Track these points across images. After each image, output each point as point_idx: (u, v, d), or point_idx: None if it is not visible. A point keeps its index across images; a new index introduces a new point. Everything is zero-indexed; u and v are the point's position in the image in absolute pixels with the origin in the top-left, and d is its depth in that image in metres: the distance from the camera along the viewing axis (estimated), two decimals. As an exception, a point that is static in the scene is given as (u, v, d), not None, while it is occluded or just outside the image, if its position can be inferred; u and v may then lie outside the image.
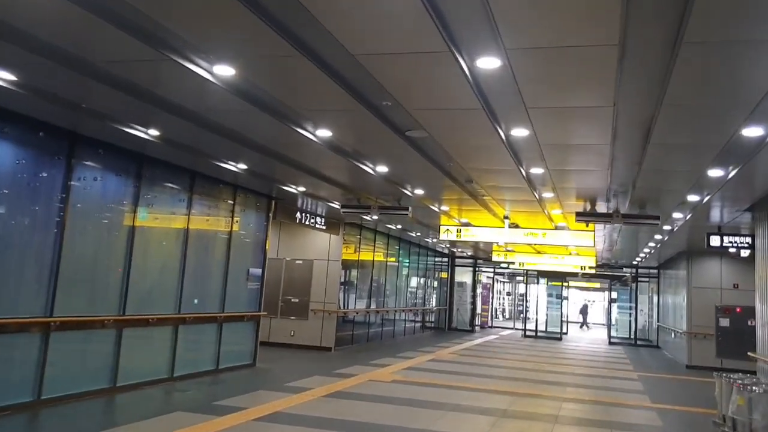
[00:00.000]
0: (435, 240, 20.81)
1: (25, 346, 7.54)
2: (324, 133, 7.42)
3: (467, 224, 15.13)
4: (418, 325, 23.99)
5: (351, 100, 5.95)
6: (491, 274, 33.70)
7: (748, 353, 10.67)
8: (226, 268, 11.37)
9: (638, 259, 23.12)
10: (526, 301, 28.96)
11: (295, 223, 14.17)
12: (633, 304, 27.11)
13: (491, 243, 19.57)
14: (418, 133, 7.22)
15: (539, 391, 11.32)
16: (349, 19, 4.24)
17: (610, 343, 25.69)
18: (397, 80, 5.48)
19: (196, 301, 10.52)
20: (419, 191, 11.22)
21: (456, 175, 9.61)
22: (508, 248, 21.83)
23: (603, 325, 37.64)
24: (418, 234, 19.66)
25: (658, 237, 15.54)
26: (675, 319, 20.37)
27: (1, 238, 7.25)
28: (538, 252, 22.21)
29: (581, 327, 37.18)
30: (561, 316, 27.97)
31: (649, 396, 11.64)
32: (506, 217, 13.84)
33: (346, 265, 16.94)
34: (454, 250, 25.97)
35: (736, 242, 11.72)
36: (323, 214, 14.91)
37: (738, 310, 16.89)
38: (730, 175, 7.85)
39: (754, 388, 7.82)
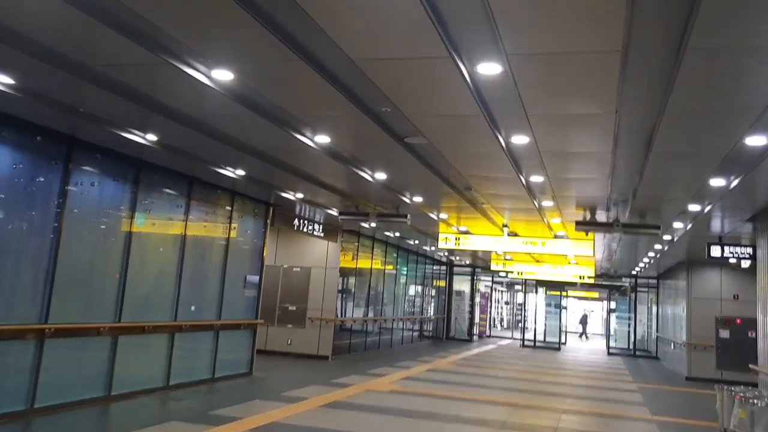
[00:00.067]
0: (433, 248, 20.74)
1: (18, 353, 7.45)
2: (323, 139, 7.37)
3: (466, 232, 15.08)
4: (416, 334, 23.89)
5: (350, 106, 5.89)
6: (490, 283, 33.62)
7: (750, 365, 10.59)
8: (223, 276, 11.30)
9: (637, 269, 23.05)
10: (525, 310, 28.86)
11: (292, 230, 14.10)
12: (632, 315, 27.02)
13: (490, 252, 19.49)
14: (417, 140, 7.16)
15: (538, 402, 11.23)
16: (349, 23, 4.18)
17: (609, 354, 25.59)
18: (396, 86, 5.43)
19: (193, 308, 10.44)
20: (418, 198, 11.16)
21: (455, 183, 9.56)
22: (506, 257, 21.76)
23: (601, 335, 37.58)
24: (417, 242, 19.60)
25: (657, 247, 15.47)
26: (674, 329, 20.28)
27: (-5, 243, 7.19)
28: (537, 261, 22.15)
29: (580, 337, 37.07)
30: (560, 326, 27.86)
31: (649, 408, 11.54)
32: (505, 226, 13.78)
33: (344, 272, 16.87)
34: (453, 258, 25.89)
35: (737, 253, 11.65)
36: (321, 221, 14.85)
37: (738, 321, 16.80)
38: (733, 185, 7.79)
39: (756, 401, 7.74)
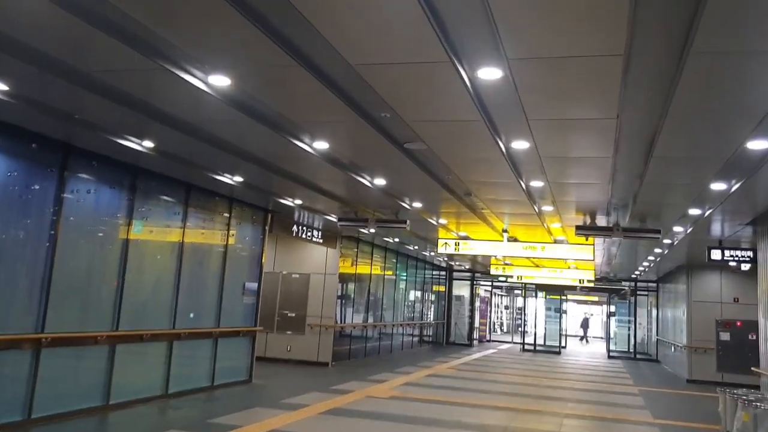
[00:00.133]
0: (433, 253, 20.69)
1: (15, 363, 7.35)
2: (321, 145, 7.32)
3: (465, 238, 15.03)
4: (415, 339, 23.80)
5: (349, 111, 5.84)
6: (489, 288, 33.55)
7: (752, 369, 10.53)
8: (222, 283, 11.22)
9: (637, 272, 23.01)
10: (525, 314, 28.79)
11: (291, 236, 14.04)
12: (632, 318, 26.96)
13: (489, 256, 19.44)
14: (416, 145, 7.11)
15: (540, 407, 11.16)
16: (348, 27, 4.13)
17: (609, 357, 25.52)
18: (395, 91, 5.38)
19: (192, 315, 10.37)
20: (417, 204, 11.11)
21: (455, 188, 9.51)
22: (506, 262, 21.73)
23: (601, 338, 37.51)
24: (416, 247, 19.55)
25: (657, 250, 15.44)
26: (675, 332, 20.23)
27: (-9, 251, 7.12)
28: (537, 265, 22.11)
29: (581, 340, 36.99)
30: (560, 330, 27.78)
31: (651, 411, 11.47)
32: (505, 231, 13.73)
33: (343, 278, 16.79)
34: (452, 263, 25.85)
35: (737, 256, 11.61)
36: (320, 228, 14.79)
37: (738, 324, 16.74)
38: (733, 189, 7.75)
39: (759, 404, 7.67)
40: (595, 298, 38.09)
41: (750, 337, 16.28)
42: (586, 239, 12.82)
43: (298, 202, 11.46)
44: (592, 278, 23.56)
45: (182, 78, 5.10)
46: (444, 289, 27.85)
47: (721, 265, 14.95)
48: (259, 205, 12.12)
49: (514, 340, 31.57)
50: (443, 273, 27.76)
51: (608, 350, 26.87)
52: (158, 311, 9.69)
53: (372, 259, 19.01)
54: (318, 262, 16.12)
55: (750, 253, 11.48)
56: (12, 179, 7.36)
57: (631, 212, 9.95)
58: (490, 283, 32.05)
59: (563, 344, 28.15)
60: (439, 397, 11.60)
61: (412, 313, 23.56)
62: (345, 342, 16.95)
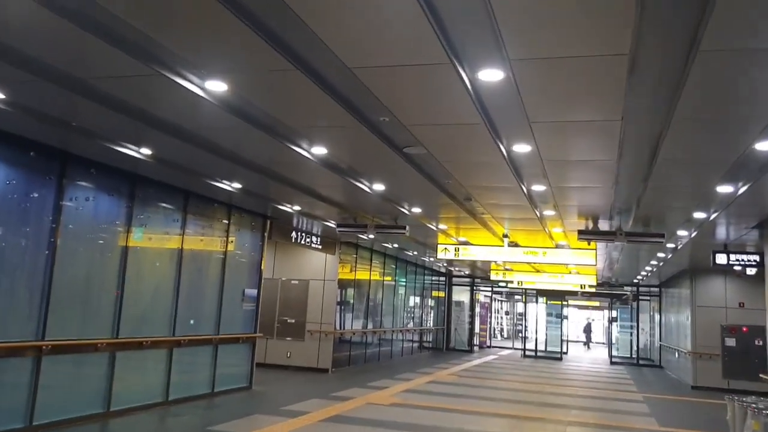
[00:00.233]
0: (432, 259, 20.59)
1: (15, 370, 7.35)
2: (319, 150, 7.24)
3: (465, 243, 14.93)
4: (415, 345, 23.69)
5: (347, 116, 5.76)
6: (489, 293, 33.43)
7: (760, 375, 10.40)
8: (221, 289, 11.16)
9: (639, 277, 22.88)
10: (525, 320, 28.66)
11: (290, 242, 14.00)
12: (634, 323, 26.81)
13: (490, 262, 19.33)
14: (416, 150, 7.03)
15: (542, 414, 11.04)
16: (346, 29, 4.05)
17: (612, 363, 25.36)
18: (394, 94, 5.30)
19: (192, 322, 10.30)
20: (416, 209, 11.03)
21: (454, 193, 9.43)
22: (506, 267, 21.60)
23: (603, 344, 37.34)
24: (415, 253, 19.46)
25: (661, 255, 15.33)
26: (678, 338, 20.09)
27: (-10, 259, 7.08)
28: (537, 271, 21.99)
29: (585, 345, 36.83)
30: (561, 336, 27.64)
31: (657, 419, 11.35)
32: (505, 236, 13.63)
33: (343, 284, 16.72)
34: (452, 269, 25.73)
35: (742, 260, 11.50)
36: (319, 234, 14.72)
37: (744, 329, 16.60)
38: (740, 192, 7.65)
39: (768, 412, 7.54)
40: (597, 303, 37.96)
41: (756, 342, 16.17)
42: (589, 244, 12.73)
43: (297, 208, 11.40)
44: (594, 283, 23.44)
45: (179, 84, 5.03)
46: (444, 295, 27.74)
47: (726, 270, 14.84)
48: (257, 211, 12.07)
49: (514, 346, 31.43)
50: (443, 278, 27.66)
51: (610, 356, 26.71)
52: (158, 318, 9.64)
53: (371, 265, 18.93)
54: (317, 269, 16.06)
55: (756, 257, 11.37)
56: (11, 187, 7.34)
57: (634, 216, 9.86)
58: (490, 289, 31.93)
59: (565, 350, 28.01)
60: (440, 404, 11.49)
61: (412, 319, 23.45)
62: (345, 348, 16.86)
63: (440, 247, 14.85)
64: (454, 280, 28.32)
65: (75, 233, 8.13)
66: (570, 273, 21.88)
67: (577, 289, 25.01)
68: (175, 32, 4.30)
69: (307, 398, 11.05)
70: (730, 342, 16.77)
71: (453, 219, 11.95)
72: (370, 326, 18.70)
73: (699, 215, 9.57)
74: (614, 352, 27.29)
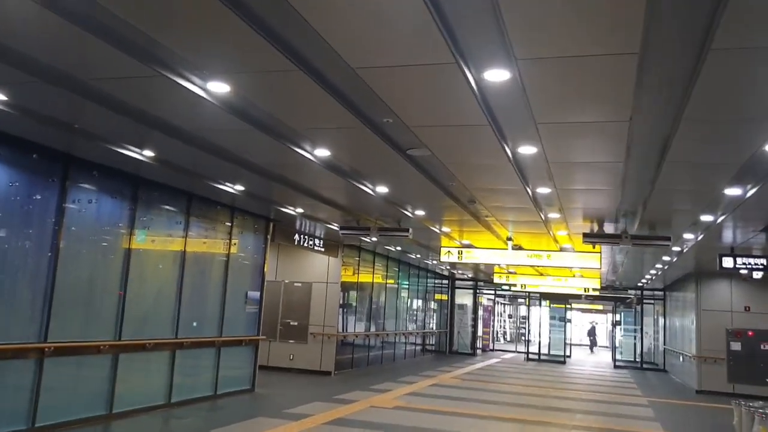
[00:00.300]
0: (435, 262, 20.52)
1: (18, 372, 7.33)
2: (322, 152, 7.19)
3: (469, 246, 14.86)
4: (418, 348, 23.63)
5: (350, 117, 5.71)
6: (492, 297, 33.32)
7: (767, 380, 10.30)
8: (224, 292, 11.13)
9: (644, 280, 22.76)
10: (529, 323, 28.52)
11: (293, 245, 13.95)
12: (638, 327, 26.68)
13: (493, 265, 19.25)
14: (420, 152, 6.97)
15: (547, 418, 10.96)
16: (349, 28, 3.99)
17: (616, 367, 25.24)
18: (398, 95, 5.24)
19: (195, 324, 10.26)
20: (420, 212, 10.97)
21: (458, 196, 9.36)
22: (510, 270, 21.53)
23: (606, 347, 37.21)
24: (418, 256, 19.39)
25: (666, 258, 15.23)
26: (683, 342, 19.97)
27: (-7, 261, 7.05)
28: (541, 274, 21.90)
29: (590, 349, 36.69)
30: (564, 339, 27.52)
31: (662, 423, 11.25)
32: (509, 239, 13.56)
33: (345, 287, 16.68)
34: (455, 272, 25.66)
35: (749, 264, 11.40)
36: (322, 236, 14.68)
37: (750, 333, 16.46)
38: (749, 194, 7.55)
39: (776, 417, 7.46)
40: (600, 307, 37.82)
41: (762, 347, 16.04)
42: (593, 247, 12.64)
43: (300, 210, 11.36)
44: (598, 287, 23.33)
45: (180, 84, 4.98)
46: (446, 298, 27.66)
47: (732, 273, 14.74)
48: (261, 214, 12.04)
49: (517, 350, 31.31)
50: (446, 281, 27.59)
51: (614, 359, 26.57)
52: (161, 320, 9.61)
53: (374, 267, 18.90)
54: (320, 271, 16.03)
55: (763, 261, 11.28)
56: (14, 189, 7.33)
57: (640, 219, 9.78)
58: (493, 292, 31.83)
59: (568, 353, 27.90)
60: (443, 407, 11.41)
61: (415, 321, 23.39)
62: (347, 351, 16.81)
63: (443, 250, 14.78)
64: (457, 283, 28.24)
65: (78, 235, 8.11)
66: (574, 276, 21.79)
67: (581, 292, 24.90)
68: (177, 32, 4.25)
69: (310, 401, 10.99)
70: (736, 346, 16.62)
71: (456, 222, 11.89)
72: (372, 329, 18.64)
73: (706, 218, 9.49)
74: (618, 356, 27.16)
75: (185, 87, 5.04)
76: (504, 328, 40.98)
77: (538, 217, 10.49)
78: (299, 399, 11.17)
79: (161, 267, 9.68)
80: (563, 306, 27.74)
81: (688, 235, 11.36)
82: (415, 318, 23.39)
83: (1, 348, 7.00)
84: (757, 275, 11.71)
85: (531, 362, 25.11)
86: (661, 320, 25.44)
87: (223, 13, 3.77)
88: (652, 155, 6.52)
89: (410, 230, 11.66)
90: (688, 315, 18.84)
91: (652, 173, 7.16)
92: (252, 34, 4.03)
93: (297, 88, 5.08)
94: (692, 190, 7.95)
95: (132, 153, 7.42)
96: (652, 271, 19.04)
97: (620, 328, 28.19)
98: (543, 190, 8.65)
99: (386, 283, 20.09)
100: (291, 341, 15.81)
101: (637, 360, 25.73)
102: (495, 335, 34.85)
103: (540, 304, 28.51)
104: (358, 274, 17.64)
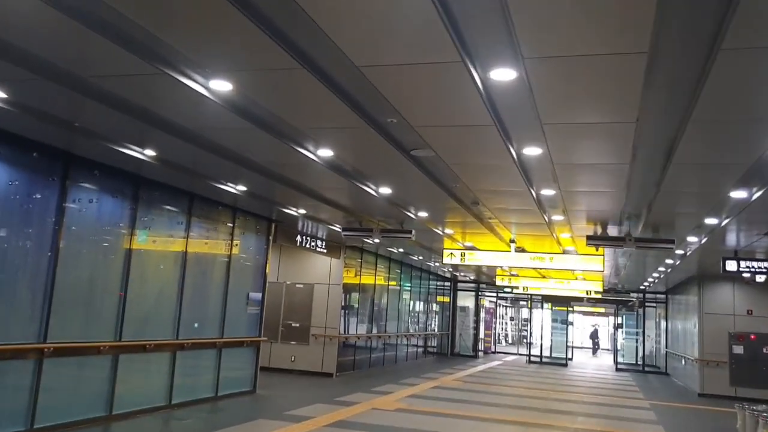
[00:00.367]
0: (438, 264, 20.46)
1: (17, 373, 7.28)
2: (325, 152, 7.14)
3: (472, 248, 14.80)
4: (420, 350, 23.57)
5: (354, 117, 5.65)
6: (494, 299, 33.27)
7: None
8: (226, 292, 11.08)
9: (646, 284, 22.69)
10: (531, 326, 28.45)
11: (295, 246, 13.90)
12: (640, 330, 26.60)
13: (496, 267, 19.19)
14: (423, 152, 6.92)
15: (549, 421, 10.89)
16: (354, 26, 3.94)
17: (617, 370, 25.17)
18: (403, 94, 5.18)
19: (196, 325, 10.21)
20: (423, 214, 10.92)
21: (462, 197, 9.31)
22: (512, 272, 21.47)
23: (608, 350, 37.11)
24: (421, 258, 19.34)
25: (669, 261, 15.17)
26: (685, 345, 19.90)
27: (-9, 261, 7.00)
28: (543, 276, 21.84)
29: (592, 352, 36.59)
30: (566, 342, 27.45)
31: (664, 427, 11.19)
32: (512, 241, 13.50)
33: (347, 289, 16.63)
34: (457, 274, 25.59)
35: (753, 267, 11.34)
36: (324, 237, 14.63)
37: (753, 337, 16.41)
38: (754, 197, 7.50)
39: (780, 421, 7.40)
40: (602, 310, 37.73)
41: (764, 350, 15.99)
42: (597, 249, 12.58)
43: (302, 211, 11.31)
44: (600, 289, 23.26)
45: (183, 83, 4.93)
46: (448, 300, 27.60)
47: (735, 277, 14.68)
48: (263, 214, 11.99)
49: (519, 352, 31.23)
50: (448, 284, 27.54)
51: (616, 362, 26.50)
52: (162, 321, 9.56)
53: (376, 269, 18.85)
54: (322, 273, 15.98)
55: (767, 264, 11.21)
56: (14, 188, 7.28)
57: (644, 221, 9.72)
58: (495, 294, 31.77)
59: (570, 356, 27.82)
60: (445, 409, 11.36)
61: (417, 323, 23.34)
62: (349, 352, 16.76)
63: (446, 252, 14.73)
64: (459, 285, 28.19)
65: (78, 235, 8.05)
66: (576, 279, 21.74)
67: (583, 295, 24.83)
68: (179, 30, 4.20)
69: (312, 403, 10.94)
70: (738, 349, 16.55)
71: (459, 223, 11.84)
72: (374, 331, 18.59)
73: (710, 221, 9.43)
74: (620, 359, 27.09)
75: (187, 85, 4.99)
76: (506, 330, 40.90)
77: (541, 219, 10.43)
78: (301, 401, 11.12)
79: (162, 267, 9.63)
80: (565, 309, 27.67)
81: (691, 238, 11.30)
82: (417, 320, 23.33)
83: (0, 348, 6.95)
84: (760, 279, 11.65)
85: (533, 365, 25.04)
86: (663, 323, 25.37)
87: (226, 10, 3.72)
88: (658, 157, 6.46)
89: (413, 232, 11.62)
90: (691, 318, 18.77)
91: (658, 175, 7.10)
92: (255, 31, 3.97)
93: (301, 86, 5.03)
94: (697, 192, 7.89)
95: (133, 152, 7.37)
96: (655, 274, 18.98)
97: (622, 331, 28.11)
98: (547, 192, 8.59)
99: (388, 285, 20.03)
100: (293, 343, 15.76)
101: (639, 363, 25.66)
102: (497, 338, 34.78)
103: (542, 307, 28.45)
104: (360, 275, 17.59)
